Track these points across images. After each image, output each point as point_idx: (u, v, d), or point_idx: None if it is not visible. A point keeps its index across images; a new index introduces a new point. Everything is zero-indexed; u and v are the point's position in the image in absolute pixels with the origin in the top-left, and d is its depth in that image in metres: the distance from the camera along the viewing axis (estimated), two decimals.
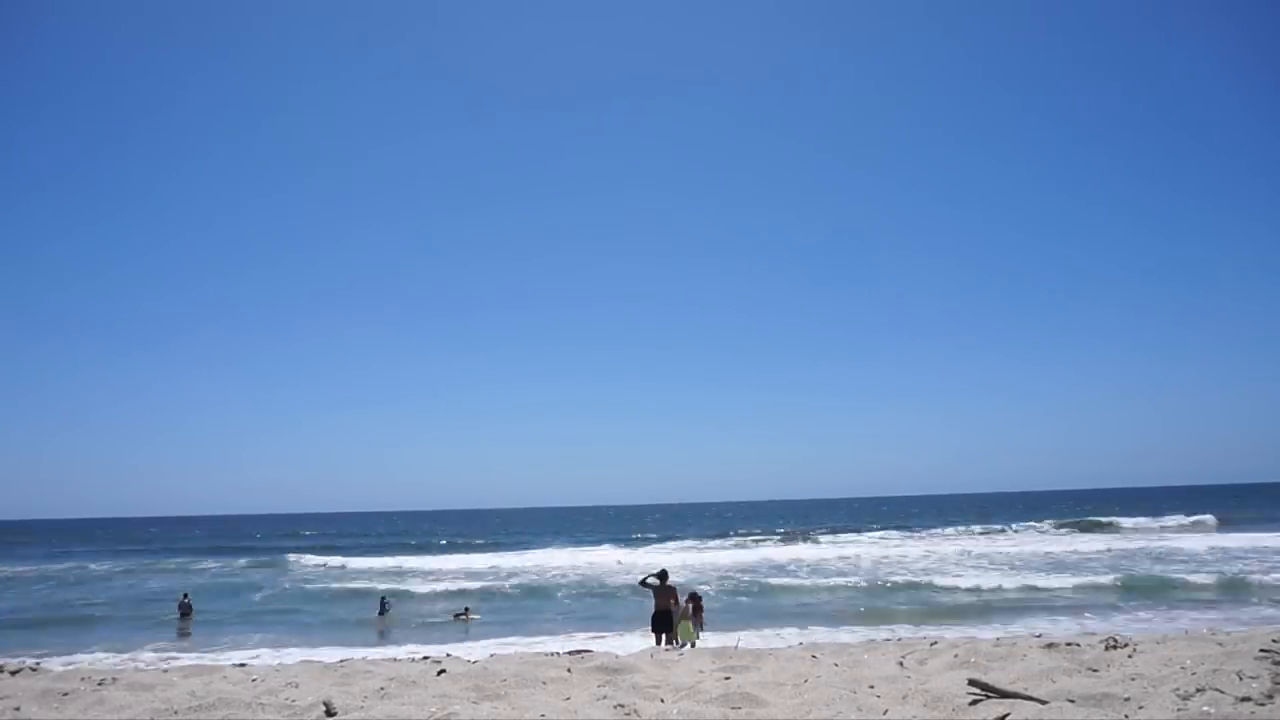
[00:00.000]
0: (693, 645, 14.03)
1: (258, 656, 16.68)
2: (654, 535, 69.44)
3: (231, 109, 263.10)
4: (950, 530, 62.43)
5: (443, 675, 8.41)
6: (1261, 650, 7.07)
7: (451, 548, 59.98)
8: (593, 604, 26.35)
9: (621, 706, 6.54)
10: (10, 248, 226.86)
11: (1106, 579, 27.32)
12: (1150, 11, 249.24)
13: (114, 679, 8.84)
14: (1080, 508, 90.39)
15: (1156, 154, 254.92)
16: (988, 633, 16.63)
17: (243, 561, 49.10)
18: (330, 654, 15.43)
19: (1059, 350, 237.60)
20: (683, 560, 40.81)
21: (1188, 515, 64.73)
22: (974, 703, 6.13)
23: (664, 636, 14.54)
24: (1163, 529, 55.80)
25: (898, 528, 67.56)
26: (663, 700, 6.90)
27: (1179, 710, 5.46)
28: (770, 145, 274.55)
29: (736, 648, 11.50)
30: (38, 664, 11.68)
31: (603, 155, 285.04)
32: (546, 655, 11.87)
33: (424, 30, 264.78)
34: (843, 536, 58.85)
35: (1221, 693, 5.68)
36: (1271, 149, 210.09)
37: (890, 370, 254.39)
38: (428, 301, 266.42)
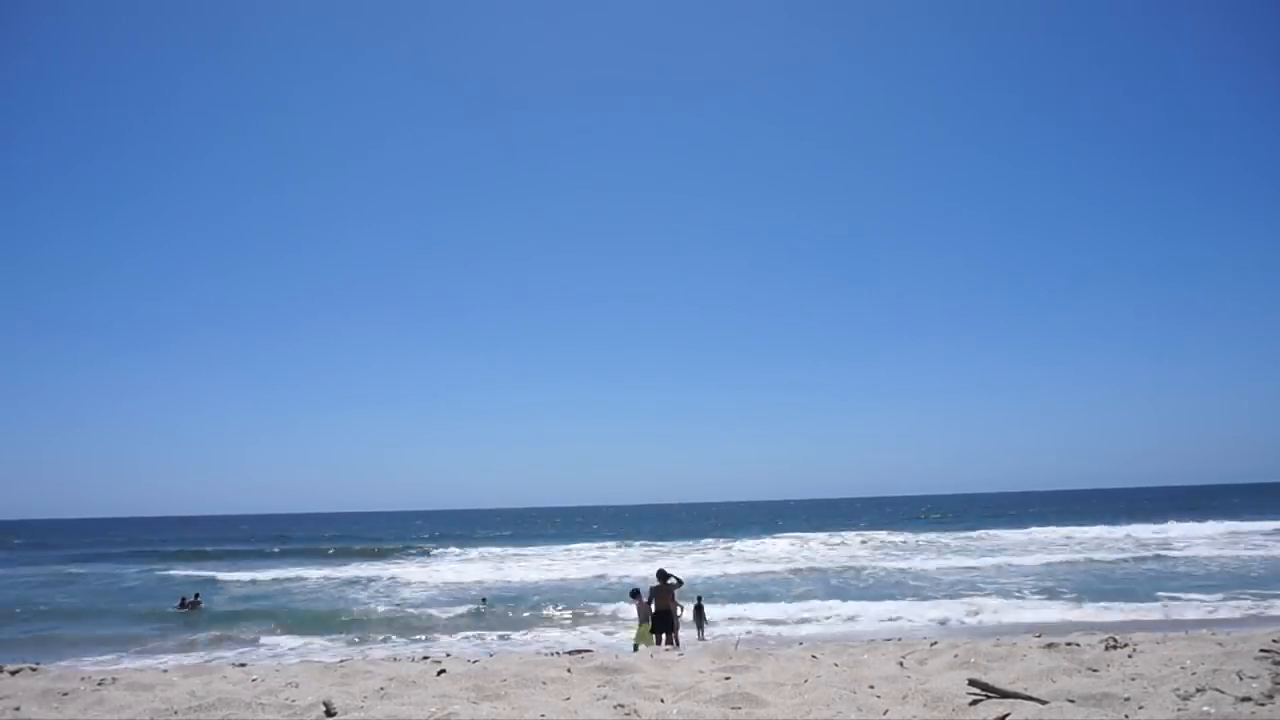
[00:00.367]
0: (644, 647, 13.73)
1: (257, 656, 16.67)
2: (669, 535, 69.28)
3: (230, 109, 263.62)
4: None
5: (443, 675, 8.41)
6: (1261, 650, 7.07)
7: (453, 544, 60.00)
8: (593, 604, 26.38)
9: (621, 706, 6.54)
10: (10, 248, 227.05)
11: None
12: (1151, 13, 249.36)
13: (114, 679, 8.83)
14: (1081, 509, 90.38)
15: (1157, 154, 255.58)
16: None
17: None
18: (331, 654, 15.43)
19: (1059, 350, 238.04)
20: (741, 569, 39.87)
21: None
22: (974, 703, 6.13)
23: (664, 636, 14.54)
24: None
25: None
26: (663, 700, 6.89)
27: (1179, 710, 5.46)
28: (770, 145, 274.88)
29: (736, 648, 11.50)
30: (37, 664, 11.67)
31: (603, 155, 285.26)
32: (546, 655, 11.88)
33: (422, 29, 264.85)
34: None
35: (1221, 693, 5.67)
36: (1271, 149, 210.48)
37: (890, 370, 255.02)
38: (428, 301, 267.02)
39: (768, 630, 20.20)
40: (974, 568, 34.30)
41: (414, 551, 55.62)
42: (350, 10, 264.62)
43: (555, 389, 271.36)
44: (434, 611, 25.27)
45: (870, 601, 24.14)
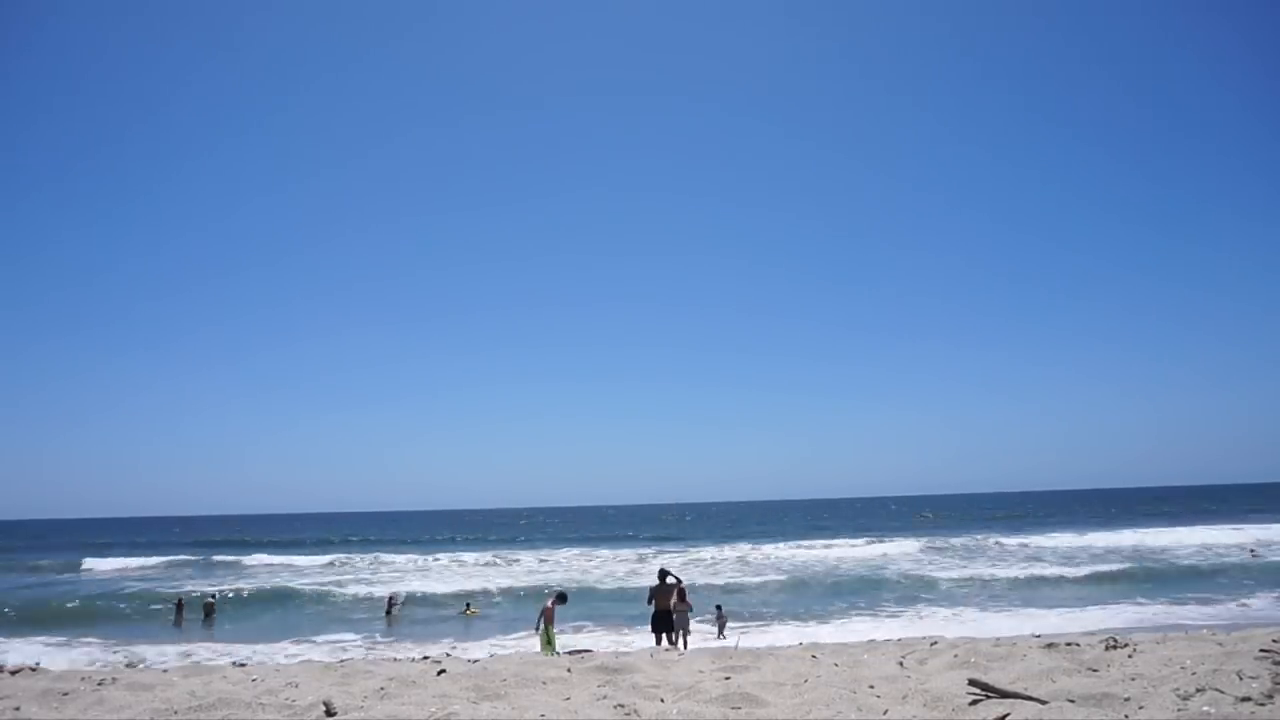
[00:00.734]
0: (556, 653, 12.32)
1: (256, 654, 16.68)
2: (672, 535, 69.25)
3: (230, 109, 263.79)
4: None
5: (443, 675, 8.40)
6: (1261, 650, 7.07)
7: (452, 545, 59.93)
8: (592, 604, 26.36)
9: (621, 706, 6.53)
10: (10, 248, 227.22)
11: None
12: (1151, 13, 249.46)
13: (114, 679, 8.83)
14: (1086, 508, 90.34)
15: (1157, 154, 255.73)
16: None
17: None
18: (331, 654, 15.43)
19: (1059, 350, 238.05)
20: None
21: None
22: (974, 703, 6.13)
23: (664, 636, 14.52)
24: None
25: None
26: (663, 700, 6.89)
27: (1179, 710, 5.45)
28: (771, 144, 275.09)
29: (736, 647, 11.49)
30: (37, 664, 11.68)
31: (603, 155, 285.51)
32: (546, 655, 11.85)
33: (422, 29, 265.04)
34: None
35: (1221, 693, 5.67)
36: (1271, 149, 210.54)
37: (890, 370, 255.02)
38: (428, 301, 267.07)
39: (768, 631, 20.19)
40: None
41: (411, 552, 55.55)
42: (350, 10, 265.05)
43: (555, 389, 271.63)
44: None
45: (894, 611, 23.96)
